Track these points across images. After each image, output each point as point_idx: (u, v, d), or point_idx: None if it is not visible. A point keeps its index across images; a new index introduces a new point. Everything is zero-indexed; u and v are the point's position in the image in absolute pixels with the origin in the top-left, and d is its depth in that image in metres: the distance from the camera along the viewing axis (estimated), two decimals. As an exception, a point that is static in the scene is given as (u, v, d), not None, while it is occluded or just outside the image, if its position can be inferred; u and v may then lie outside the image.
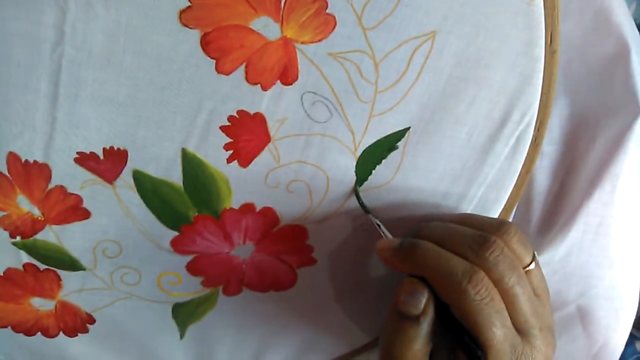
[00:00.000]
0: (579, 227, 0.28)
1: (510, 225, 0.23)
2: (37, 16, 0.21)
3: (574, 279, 0.28)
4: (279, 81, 0.24)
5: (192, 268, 0.29)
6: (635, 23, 0.35)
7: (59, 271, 0.28)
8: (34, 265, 0.28)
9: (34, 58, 0.22)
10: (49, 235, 0.27)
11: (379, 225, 0.26)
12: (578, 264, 0.28)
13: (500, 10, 0.22)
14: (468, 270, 0.21)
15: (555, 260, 0.28)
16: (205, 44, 0.22)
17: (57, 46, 0.22)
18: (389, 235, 0.25)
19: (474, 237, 0.22)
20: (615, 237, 0.28)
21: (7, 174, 0.25)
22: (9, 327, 0.30)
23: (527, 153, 0.26)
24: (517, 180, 0.27)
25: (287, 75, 0.23)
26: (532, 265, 0.23)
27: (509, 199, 0.27)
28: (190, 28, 0.22)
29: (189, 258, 0.28)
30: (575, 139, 0.28)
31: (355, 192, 0.27)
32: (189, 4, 0.21)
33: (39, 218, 0.26)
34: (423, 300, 0.21)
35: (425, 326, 0.21)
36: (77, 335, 0.31)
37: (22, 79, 0.22)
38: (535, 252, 0.23)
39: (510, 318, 0.22)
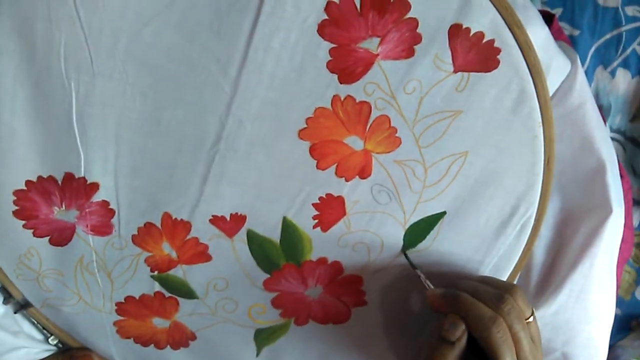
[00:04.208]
0: (566, 292, 0.37)
1: (518, 288, 0.32)
2: (205, 125, 0.32)
3: (560, 330, 0.37)
4: (357, 176, 0.34)
5: (275, 302, 0.38)
6: (620, 132, 0.45)
7: (179, 298, 0.38)
8: (161, 292, 0.37)
9: (197, 151, 0.32)
10: (179, 271, 0.37)
11: (422, 277, 0.35)
12: (564, 320, 0.37)
13: (513, 142, 0.33)
14: (492, 316, 0.30)
15: (547, 315, 0.37)
16: (312, 150, 0.33)
17: (214, 146, 0.32)
18: (431, 285, 0.34)
19: (495, 294, 0.31)
20: (592, 300, 0.37)
21: (159, 226, 0.35)
22: (132, 339, 0.40)
23: (529, 236, 0.36)
24: (521, 254, 0.36)
25: (364, 173, 0.34)
26: (531, 319, 0.32)
27: (514, 267, 0.37)
28: (304, 140, 0.32)
29: (274, 295, 0.38)
30: (564, 227, 0.37)
31: (404, 253, 0.36)
32: (306, 125, 0.32)
33: (175, 259, 0.36)
34: (460, 331, 0.30)
35: (457, 349, 0.31)
36: (179, 349, 0.40)
37: (185, 163, 0.33)
38: (534, 310, 0.33)
39: (516, 354, 0.31)
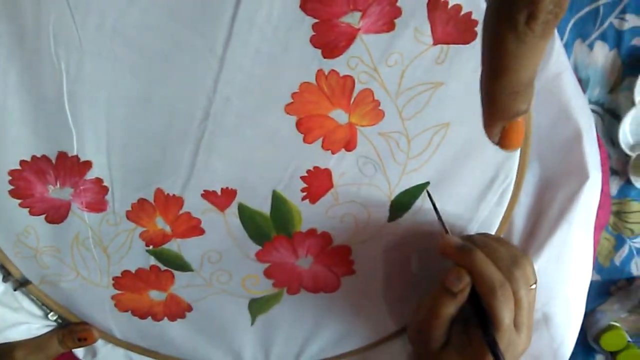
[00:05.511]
0: (545, 256, 0.38)
1: (529, 256, 0.34)
2: (193, 101, 0.33)
3: (540, 292, 0.39)
4: (343, 149, 0.35)
5: (267, 273, 0.40)
6: (599, 103, 0.46)
7: (174, 271, 0.39)
8: (157, 266, 0.39)
9: (187, 127, 0.33)
10: (173, 245, 0.38)
11: (442, 221, 0.36)
12: (544, 282, 0.39)
13: (492, 112, 0.34)
14: (502, 281, 0.31)
15: (528, 279, 0.39)
16: (299, 124, 0.34)
17: (203, 121, 0.33)
18: (449, 230, 0.35)
19: (511, 260, 0.32)
20: (570, 264, 0.39)
21: (152, 202, 0.36)
22: (130, 312, 0.41)
23: (509, 202, 0.37)
24: (501, 220, 0.38)
25: (349, 145, 0.35)
26: (534, 286, 0.34)
27: (495, 233, 0.38)
28: (290, 115, 0.33)
29: (266, 265, 0.39)
30: (543, 194, 0.39)
31: (427, 192, 0.36)
32: (292, 100, 0.33)
33: (169, 233, 0.37)
34: (464, 284, 0.32)
35: (458, 300, 0.32)
36: (176, 320, 0.42)
37: (176, 140, 0.34)
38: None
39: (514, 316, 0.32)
